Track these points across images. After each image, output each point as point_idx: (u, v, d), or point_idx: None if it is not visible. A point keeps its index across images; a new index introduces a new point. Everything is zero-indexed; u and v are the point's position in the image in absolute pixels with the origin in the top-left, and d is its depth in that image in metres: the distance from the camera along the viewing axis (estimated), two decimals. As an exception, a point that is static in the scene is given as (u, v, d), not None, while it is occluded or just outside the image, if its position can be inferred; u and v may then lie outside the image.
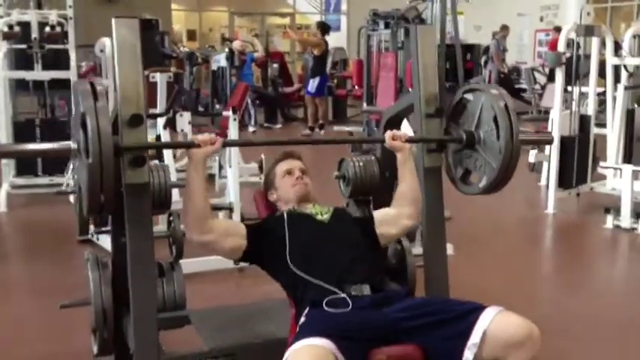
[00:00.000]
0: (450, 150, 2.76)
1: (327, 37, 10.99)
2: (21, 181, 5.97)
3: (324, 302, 2.15)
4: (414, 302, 2.23)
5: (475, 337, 2.03)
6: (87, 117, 2.07)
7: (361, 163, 3.07)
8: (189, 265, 3.61)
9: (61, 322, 3.31)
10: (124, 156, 2.22)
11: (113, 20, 2.38)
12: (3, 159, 5.79)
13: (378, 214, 2.61)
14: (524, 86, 13.36)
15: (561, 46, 5.68)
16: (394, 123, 3.17)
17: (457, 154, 2.72)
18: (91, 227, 4.53)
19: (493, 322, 2.04)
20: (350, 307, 2.13)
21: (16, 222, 5.45)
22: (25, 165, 6.01)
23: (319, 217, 2.50)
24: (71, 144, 2.23)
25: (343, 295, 2.17)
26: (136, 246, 2.35)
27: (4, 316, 3.62)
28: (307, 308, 2.18)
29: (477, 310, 2.08)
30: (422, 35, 2.81)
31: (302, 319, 2.16)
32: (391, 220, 2.57)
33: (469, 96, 2.62)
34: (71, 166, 2.24)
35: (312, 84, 10.69)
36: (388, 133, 2.56)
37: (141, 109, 2.34)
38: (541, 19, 15.60)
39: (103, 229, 4.01)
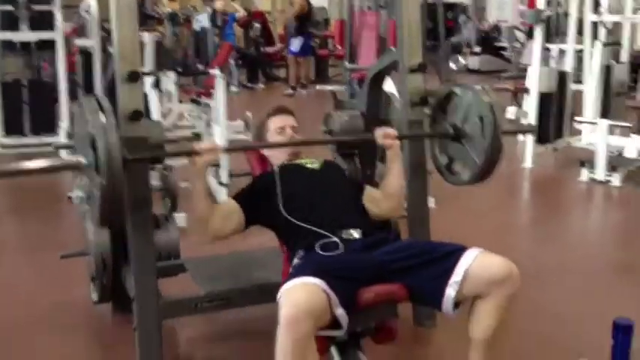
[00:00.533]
0: (437, 139, 2.88)
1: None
2: (9, 140, 6.02)
3: (317, 246, 2.28)
4: (401, 245, 2.37)
5: (457, 276, 2.17)
6: (96, 137, 2.15)
7: (346, 118, 3.20)
8: (181, 219, 3.75)
9: (57, 275, 3.43)
10: (129, 167, 2.29)
11: (110, -21, 2.46)
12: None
13: (369, 190, 2.69)
14: (504, 44, 13.46)
15: (540, 3, 5.78)
16: (378, 79, 3.29)
17: (443, 142, 2.84)
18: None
19: (475, 261, 2.17)
20: (341, 249, 2.27)
21: (5, 181, 5.47)
22: (13, 124, 6.06)
23: (309, 165, 2.63)
24: (82, 160, 2.27)
25: (335, 238, 2.31)
26: (134, 196, 2.45)
27: (3, 271, 3.72)
28: (301, 251, 2.32)
29: (459, 250, 2.22)
30: (406, -8, 2.92)
31: (295, 261, 2.31)
32: (377, 202, 2.65)
33: (457, 90, 2.72)
34: (78, 180, 2.29)
35: (295, 43, 10.73)
36: (379, 132, 2.64)
37: (137, 66, 2.45)
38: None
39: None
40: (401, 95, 2.96)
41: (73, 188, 2.74)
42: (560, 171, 5.90)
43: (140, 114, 2.43)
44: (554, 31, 6.64)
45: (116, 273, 2.86)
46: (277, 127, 2.75)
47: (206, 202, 2.43)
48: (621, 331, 2.46)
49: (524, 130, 3.28)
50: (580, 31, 6.46)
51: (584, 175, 5.45)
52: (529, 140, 5.87)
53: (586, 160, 5.53)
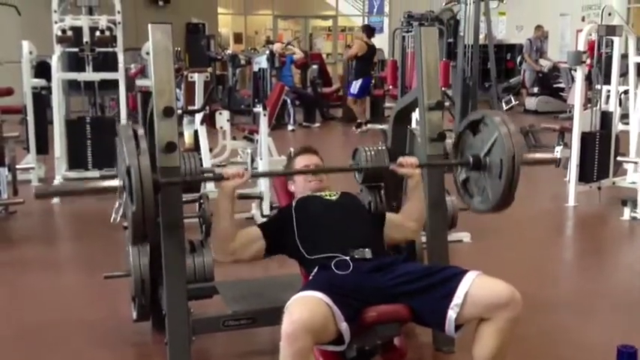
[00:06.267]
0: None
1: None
2: (73, 174, 6.39)
3: (331, 264, 2.45)
4: (407, 269, 2.48)
5: (458, 299, 2.30)
6: (129, 163, 2.38)
7: (373, 153, 3.39)
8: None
9: (106, 292, 3.70)
10: (163, 191, 2.53)
11: (150, 26, 2.73)
12: (57, 153, 6.29)
13: (390, 217, 2.89)
14: (563, 85, 13.42)
15: (581, 45, 5.88)
16: (403, 116, 3.48)
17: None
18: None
19: (473, 285, 2.31)
20: (351, 268, 2.43)
21: (68, 211, 5.89)
22: (77, 159, 6.45)
23: (327, 197, 2.82)
24: (118, 183, 2.53)
25: (346, 257, 2.47)
26: (167, 223, 2.69)
27: (58, 287, 4.09)
28: (315, 269, 2.51)
29: (460, 274, 2.36)
30: (425, 36, 3.12)
31: (310, 278, 2.50)
32: (398, 227, 2.86)
33: (488, 121, 2.82)
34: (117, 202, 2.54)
35: (355, 86, 10.88)
36: (399, 161, 2.82)
37: (172, 102, 2.69)
38: (583, 19, 15.59)
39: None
40: (420, 131, 3.12)
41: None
42: (602, 209, 5.91)
43: (174, 146, 2.67)
44: (605, 72, 6.69)
45: (154, 293, 3.10)
46: (302, 166, 2.96)
47: (230, 225, 2.64)
48: (625, 358, 2.54)
49: (547, 161, 3.34)
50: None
51: (626, 213, 5.46)
52: (572, 179, 5.92)
53: (629, 199, 5.54)
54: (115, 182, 2.57)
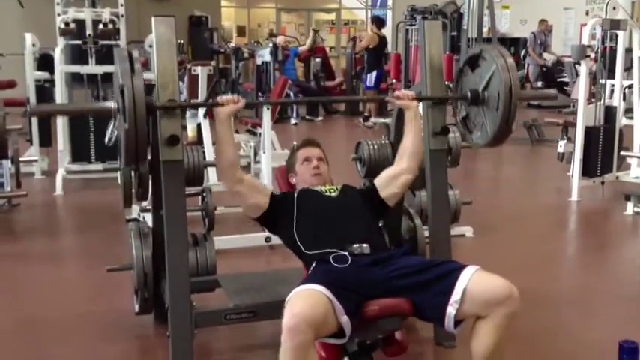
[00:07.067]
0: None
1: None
2: (76, 167, 6.42)
3: (330, 258, 2.45)
4: (406, 263, 2.47)
5: (456, 295, 2.29)
6: (123, 83, 2.39)
7: (376, 146, 3.40)
8: (224, 241, 4.00)
9: (108, 285, 3.70)
10: (157, 113, 2.57)
11: (153, 19, 2.73)
12: (60, 146, 6.30)
13: (379, 180, 2.87)
14: (567, 79, 13.39)
15: (585, 39, 5.86)
16: (406, 110, 3.48)
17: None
18: (137, 208, 4.92)
19: (471, 280, 2.30)
20: (349, 262, 2.42)
21: (71, 204, 5.91)
22: (80, 152, 6.45)
23: (327, 193, 2.80)
24: (112, 104, 2.56)
25: (344, 252, 2.46)
26: (171, 215, 2.71)
27: (59, 279, 4.11)
28: (314, 263, 2.51)
29: (457, 269, 2.35)
30: (429, 29, 3.12)
31: (309, 272, 2.50)
32: (392, 180, 2.83)
33: (486, 55, 2.84)
34: (111, 124, 2.54)
35: (370, 78, 10.80)
36: (395, 93, 2.86)
37: (175, 95, 2.69)
38: (587, 13, 15.54)
39: (148, 207, 4.40)
40: (424, 125, 3.12)
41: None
42: (605, 204, 5.90)
43: (177, 139, 2.67)
44: (608, 66, 6.68)
45: (157, 286, 3.10)
46: (304, 158, 2.96)
47: (232, 149, 2.69)
48: (626, 353, 2.54)
49: (545, 96, 3.33)
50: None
51: (629, 208, 5.45)
52: (575, 174, 5.91)
53: (632, 193, 5.53)
54: (109, 104, 2.60)
